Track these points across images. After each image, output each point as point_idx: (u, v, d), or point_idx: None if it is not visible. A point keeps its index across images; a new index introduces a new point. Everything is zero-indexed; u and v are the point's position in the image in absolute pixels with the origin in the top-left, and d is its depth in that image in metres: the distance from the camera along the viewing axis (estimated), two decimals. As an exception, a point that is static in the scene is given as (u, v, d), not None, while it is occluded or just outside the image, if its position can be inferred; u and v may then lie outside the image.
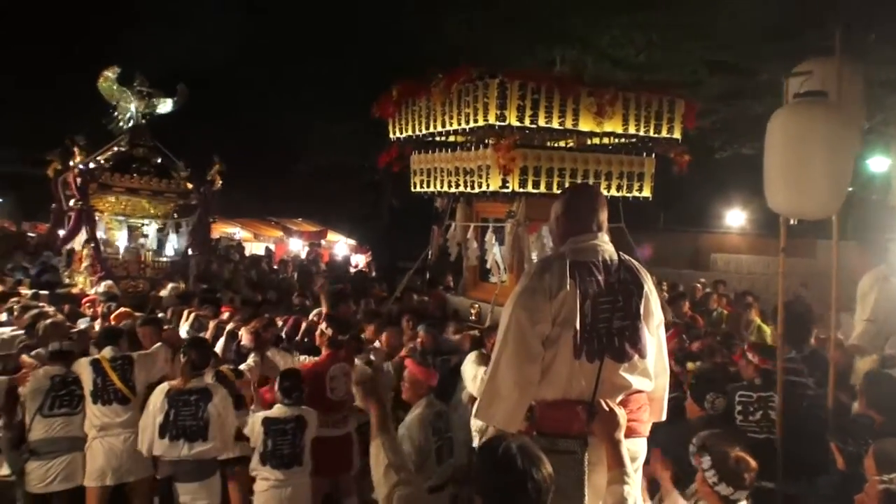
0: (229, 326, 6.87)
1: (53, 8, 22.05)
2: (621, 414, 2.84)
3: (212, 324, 7.16)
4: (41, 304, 7.64)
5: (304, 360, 6.27)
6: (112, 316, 7.27)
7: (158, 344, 6.07)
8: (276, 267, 17.29)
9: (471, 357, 5.49)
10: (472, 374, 5.24)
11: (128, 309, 7.44)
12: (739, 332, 8.84)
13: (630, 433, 2.89)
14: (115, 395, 5.53)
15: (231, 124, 21.97)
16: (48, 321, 6.26)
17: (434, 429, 4.57)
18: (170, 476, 5.07)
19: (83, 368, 5.56)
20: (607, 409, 2.83)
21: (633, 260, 3.13)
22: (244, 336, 6.52)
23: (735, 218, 19.59)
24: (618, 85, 7.74)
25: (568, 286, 2.89)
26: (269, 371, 6.14)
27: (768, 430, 4.96)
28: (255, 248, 21.71)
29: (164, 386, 5.16)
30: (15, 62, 20.40)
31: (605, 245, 3.08)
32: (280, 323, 7.57)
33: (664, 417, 3.25)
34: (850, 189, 4.61)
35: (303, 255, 20.55)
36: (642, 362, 2.98)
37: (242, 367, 6.06)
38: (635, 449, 2.96)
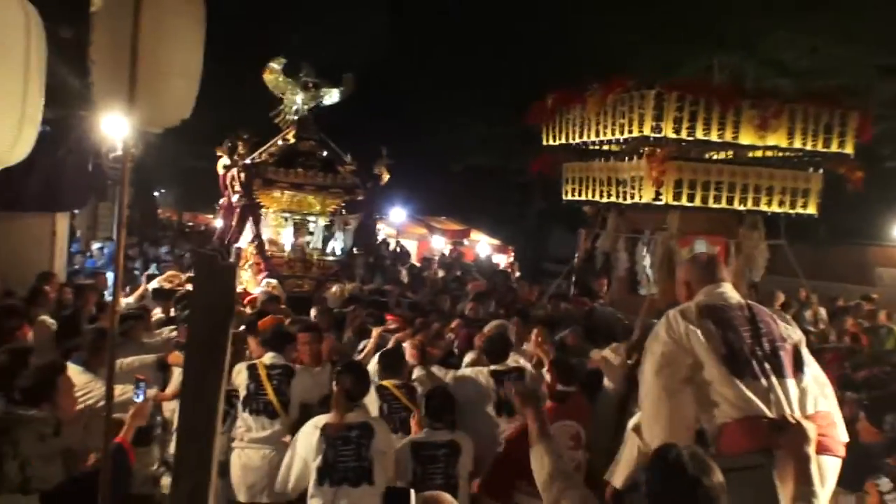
0: (393, 339, 6.29)
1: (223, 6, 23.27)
2: (810, 427, 2.70)
3: (375, 332, 6.40)
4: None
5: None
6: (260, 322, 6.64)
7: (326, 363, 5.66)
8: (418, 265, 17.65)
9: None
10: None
11: (279, 317, 6.84)
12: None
13: (822, 450, 2.75)
14: (264, 407, 5.13)
15: (380, 123, 22.60)
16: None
17: None
18: None
19: (239, 374, 5.20)
20: (794, 421, 2.71)
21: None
22: (407, 351, 5.89)
23: (903, 231, 18.29)
24: (783, 97, 7.43)
25: (697, 321, 3.03)
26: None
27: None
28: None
29: (318, 422, 4.44)
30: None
31: (733, 292, 3.22)
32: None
33: (846, 438, 3.08)
34: None
35: (446, 253, 20.81)
36: (806, 378, 2.94)
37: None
38: (826, 466, 2.81)
